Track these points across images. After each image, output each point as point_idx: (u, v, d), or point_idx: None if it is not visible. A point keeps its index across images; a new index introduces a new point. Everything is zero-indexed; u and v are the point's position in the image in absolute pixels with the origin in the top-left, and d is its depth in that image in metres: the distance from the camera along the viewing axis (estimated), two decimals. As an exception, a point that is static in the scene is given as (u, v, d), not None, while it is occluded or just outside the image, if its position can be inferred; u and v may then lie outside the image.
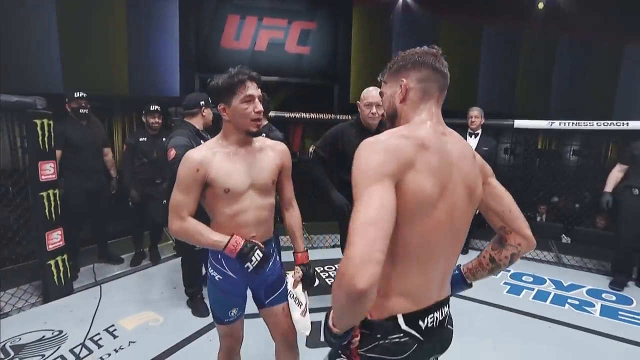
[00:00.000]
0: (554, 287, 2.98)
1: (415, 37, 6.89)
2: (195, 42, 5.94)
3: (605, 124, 3.11)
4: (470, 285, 1.05)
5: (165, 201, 3.18)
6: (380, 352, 0.83)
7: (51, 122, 2.56)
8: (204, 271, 2.58)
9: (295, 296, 1.41)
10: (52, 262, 2.59)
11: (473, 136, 3.33)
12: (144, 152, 3.08)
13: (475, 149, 3.28)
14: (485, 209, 0.97)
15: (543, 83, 7.51)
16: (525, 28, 7.03)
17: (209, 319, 2.36)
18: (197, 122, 2.41)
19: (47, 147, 2.54)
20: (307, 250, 1.46)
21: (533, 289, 2.92)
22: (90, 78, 4.83)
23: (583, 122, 3.22)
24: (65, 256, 2.66)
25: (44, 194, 2.53)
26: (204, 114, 2.40)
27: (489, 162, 1.03)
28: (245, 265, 1.21)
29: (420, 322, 0.84)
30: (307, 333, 1.40)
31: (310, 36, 6.57)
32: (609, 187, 2.97)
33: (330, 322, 0.80)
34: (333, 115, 3.94)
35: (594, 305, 2.69)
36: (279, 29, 6.39)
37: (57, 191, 2.60)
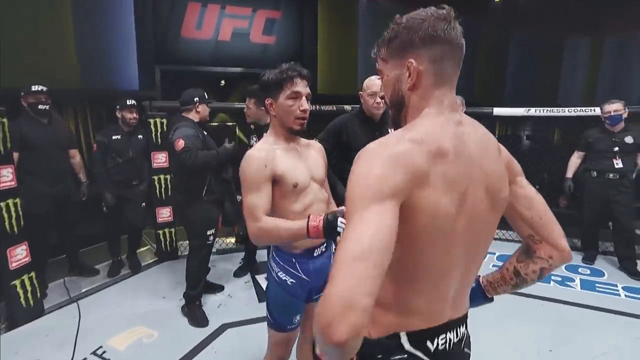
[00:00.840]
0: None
1: (381, 28, 6.96)
2: (154, 31, 5.50)
3: (575, 110, 3.34)
4: (491, 300, 0.92)
5: (144, 204, 2.96)
6: None
7: (5, 120, 2.21)
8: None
9: None
10: (17, 282, 2.26)
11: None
12: (118, 151, 2.78)
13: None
14: (511, 214, 0.80)
15: (499, 73, 7.96)
16: (483, 20, 7.36)
17: (210, 328, 2.23)
18: (194, 118, 2.36)
19: (1, 149, 2.20)
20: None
21: (519, 269, 3.07)
22: (36, 70, 4.27)
23: (556, 109, 3.43)
24: (32, 274, 2.34)
25: (3, 204, 2.19)
26: (198, 109, 2.36)
27: None
28: (337, 238, 1.10)
29: (429, 343, 0.71)
30: None
31: (275, 25, 6.37)
32: (569, 173, 3.22)
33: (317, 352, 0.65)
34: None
35: (574, 280, 2.90)
36: (243, 18, 6.12)
37: (17, 200, 2.26)
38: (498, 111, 3.54)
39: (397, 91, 0.73)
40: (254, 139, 2.80)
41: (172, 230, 3.19)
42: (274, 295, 1.31)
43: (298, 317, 1.34)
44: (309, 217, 1.12)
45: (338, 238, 1.07)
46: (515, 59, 7.91)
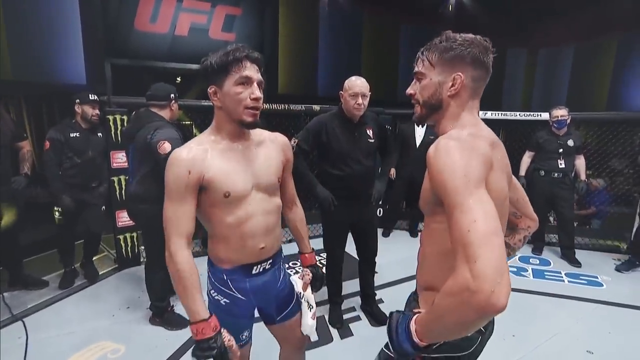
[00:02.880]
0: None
1: (340, 30, 7.07)
2: (104, 22, 5.09)
3: (522, 114, 3.67)
4: None
5: (104, 207, 2.71)
6: (448, 351, 0.83)
7: None
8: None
9: (306, 299, 1.31)
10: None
11: (420, 126, 3.57)
12: (76, 151, 2.53)
13: (423, 138, 3.60)
14: None
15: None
16: (436, 29, 7.77)
17: (186, 333, 2.11)
18: (166, 116, 2.14)
19: None
20: (313, 250, 1.37)
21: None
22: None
23: (509, 112, 3.76)
24: (-32, 291, 2.06)
25: None
26: (173, 107, 2.17)
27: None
28: (202, 354, 0.95)
29: None
30: (316, 338, 1.31)
31: (235, 22, 6.23)
32: (522, 171, 3.50)
33: (414, 336, 0.73)
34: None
35: (527, 270, 3.17)
36: (201, 13, 5.90)
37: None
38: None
39: (437, 95, 0.86)
40: None
41: (134, 234, 2.98)
42: (217, 316, 1.09)
43: (246, 334, 1.21)
44: (210, 316, 0.98)
45: (196, 354, 0.96)
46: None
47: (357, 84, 1.99)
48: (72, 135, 2.52)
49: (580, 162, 3.32)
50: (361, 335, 2.16)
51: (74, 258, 2.75)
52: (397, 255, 3.26)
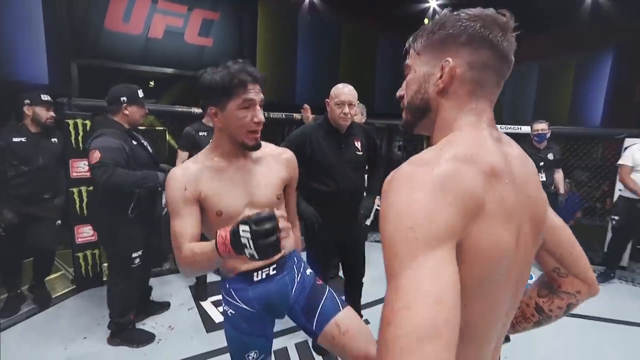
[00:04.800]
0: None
1: (319, 38, 7.04)
2: (70, 19, 4.77)
3: (504, 127, 3.67)
4: (508, 340, 0.81)
5: (59, 222, 2.43)
6: None
7: None
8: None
9: None
10: None
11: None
12: (21, 158, 2.22)
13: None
14: None
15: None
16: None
17: (154, 349, 1.94)
18: (121, 121, 1.98)
19: None
20: None
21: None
22: None
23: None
24: None
25: None
26: (126, 111, 1.98)
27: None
28: (249, 254, 0.83)
29: None
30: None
31: (213, 27, 6.06)
32: None
33: None
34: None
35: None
36: (177, 16, 5.69)
37: None
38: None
39: (422, 92, 0.60)
40: None
41: (96, 251, 2.69)
42: (225, 332, 1.17)
43: (253, 355, 1.13)
44: (216, 233, 0.90)
45: (246, 250, 0.82)
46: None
47: (344, 91, 1.86)
48: (15, 140, 2.21)
49: (560, 176, 3.34)
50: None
51: (19, 280, 2.41)
52: (381, 269, 3.12)
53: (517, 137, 3.55)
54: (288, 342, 2.13)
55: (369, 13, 7.10)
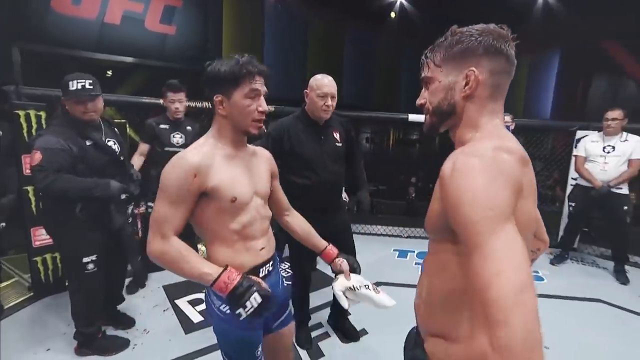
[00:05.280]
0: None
1: (286, 30, 6.92)
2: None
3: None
4: None
5: (4, 224, 2.20)
6: None
7: None
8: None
9: (361, 285, 1.20)
10: None
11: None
12: None
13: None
14: None
15: (394, 81, 8.80)
16: (382, 32, 8.01)
17: (127, 356, 1.84)
18: (67, 114, 1.76)
19: None
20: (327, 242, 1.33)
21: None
22: None
23: None
24: None
25: None
26: (64, 104, 1.76)
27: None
28: (237, 312, 0.95)
29: None
30: (393, 302, 1.19)
31: (176, 14, 5.76)
32: None
33: None
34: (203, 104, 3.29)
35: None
36: (136, 1, 5.33)
37: None
38: (413, 118, 3.80)
39: (448, 98, 0.72)
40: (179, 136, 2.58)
41: (57, 255, 2.46)
42: (222, 333, 1.11)
43: (260, 350, 1.15)
44: (226, 267, 0.98)
45: (239, 310, 0.95)
46: (407, 70, 8.87)
47: (325, 83, 1.81)
48: None
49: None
50: (333, 355, 2.01)
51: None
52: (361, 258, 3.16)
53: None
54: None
55: (337, 4, 7.08)
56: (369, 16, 7.46)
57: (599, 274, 3.24)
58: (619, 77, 6.83)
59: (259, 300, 0.95)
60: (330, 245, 1.31)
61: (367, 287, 1.19)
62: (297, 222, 1.34)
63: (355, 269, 1.26)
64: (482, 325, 0.50)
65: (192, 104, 3.17)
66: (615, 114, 2.95)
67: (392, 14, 7.67)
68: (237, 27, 6.50)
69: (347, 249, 2.04)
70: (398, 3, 7.62)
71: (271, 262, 1.17)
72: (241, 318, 0.95)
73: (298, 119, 1.91)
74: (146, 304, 2.41)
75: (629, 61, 6.55)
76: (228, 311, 1.04)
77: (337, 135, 1.95)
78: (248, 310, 0.95)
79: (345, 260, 1.26)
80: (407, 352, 0.86)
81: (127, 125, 4.37)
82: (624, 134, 2.98)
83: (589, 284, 3.01)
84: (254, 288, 0.96)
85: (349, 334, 2.14)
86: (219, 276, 0.96)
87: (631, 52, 6.45)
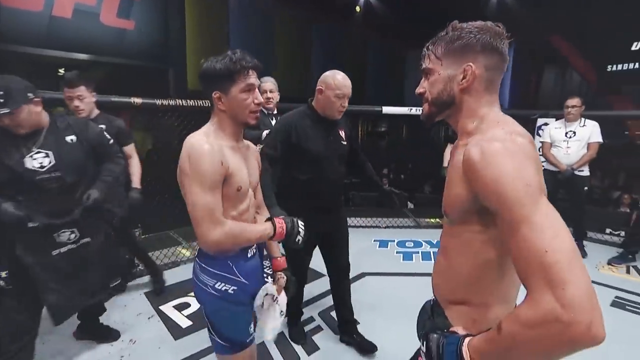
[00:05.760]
0: (429, 246, 3.58)
1: (252, 24, 6.78)
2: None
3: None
4: None
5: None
6: None
7: None
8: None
9: (278, 303, 1.28)
10: None
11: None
12: None
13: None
14: None
15: (360, 76, 8.92)
16: (348, 27, 8.06)
17: None
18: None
19: None
20: (284, 255, 1.39)
21: (418, 252, 3.44)
22: None
23: (414, 108, 3.99)
24: None
25: None
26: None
27: None
28: (297, 239, 1.23)
29: None
30: (270, 338, 1.28)
31: (134, 8, 5.45)
32: (445, 163, 3.81)
33: None
34: (176, 102, 3.09)
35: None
36: (88, -7, 4.98)
37: None
38: (387, 110, 3.87)
39: (447, 90, 0.78)
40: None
41: None
42: (216, 312, 1.17)
43: (252, 326, 1.24)
44: (271, 219, 1.21)
45: (298, 238, 1.24)
46: (373, 64, 9.02)
47: (346, 84, 1.74)
48: None
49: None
50: (328, 348, 2.03)
51: None
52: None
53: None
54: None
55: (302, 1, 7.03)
56: (336, 10, 7.48)
57: (561, 250, 3.50)
58: (566, 69, 7.38)
59: (302, 224, 1.26)
60: (283, 258, 1.37)
61: (281, 313, 1.27)
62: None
63: (288, 288, 1.34)
64: (542, 288, 0.54)
65: (159, 102, 3.01)
66: (575, 101, 3.20)
67: (357, 9, 7.74)
68: (201, 22, 6.28)
69: (340, 252, 2.04)
70: (362, -3, 7.69)
71: (256, 246, 1.25)
72: (300, 243, 1.24)
73: (305, 115, 1.82)
74: (128, 313, 2.30)
75: (572, 54, 7.10)
76: (223, 288, 1.13)
77: (342, 134, 1.90)
78: (302, 234, 1.24)
79: (285, 278, 1.34)
80: (424, 323, 0.90)
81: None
82: (582, 119, 3.23)
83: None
84: (295, 218, 1.24)
85: (366, 348, 1.98)
86: (274, 228, 1.19)
87: (574, 46, 7.00)
